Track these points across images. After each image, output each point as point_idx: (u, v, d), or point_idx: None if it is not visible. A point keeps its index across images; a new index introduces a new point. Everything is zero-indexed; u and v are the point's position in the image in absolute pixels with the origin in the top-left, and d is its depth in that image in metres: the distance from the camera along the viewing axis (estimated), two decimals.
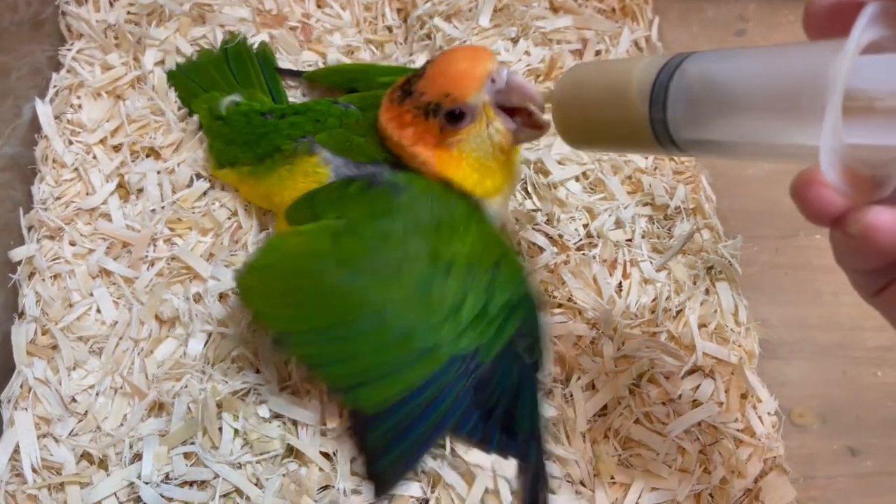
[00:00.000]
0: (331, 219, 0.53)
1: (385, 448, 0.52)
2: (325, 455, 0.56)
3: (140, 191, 0.66)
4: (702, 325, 0.64)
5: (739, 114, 0.34)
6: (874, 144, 0.30)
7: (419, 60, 0.75)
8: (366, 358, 0.51)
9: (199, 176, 0.67)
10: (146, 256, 0.62)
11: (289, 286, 0.53)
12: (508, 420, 0.54)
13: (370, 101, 0.58)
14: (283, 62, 0.73)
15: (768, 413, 0.62)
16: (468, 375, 0.52)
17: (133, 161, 0.67)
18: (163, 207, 0.65)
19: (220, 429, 0.55)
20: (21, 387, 0.57)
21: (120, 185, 0.66)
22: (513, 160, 0.56)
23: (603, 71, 0.44)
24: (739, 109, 0.34)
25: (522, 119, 0.52)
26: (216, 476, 0.54)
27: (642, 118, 0.39)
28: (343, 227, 0.52)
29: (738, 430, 0.60)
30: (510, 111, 0.52)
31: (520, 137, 0.53)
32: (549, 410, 0.59)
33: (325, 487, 0.55)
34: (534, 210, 0.68)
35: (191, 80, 0.71)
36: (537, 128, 0.52)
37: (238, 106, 0.65)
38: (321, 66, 0.74)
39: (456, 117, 0.51)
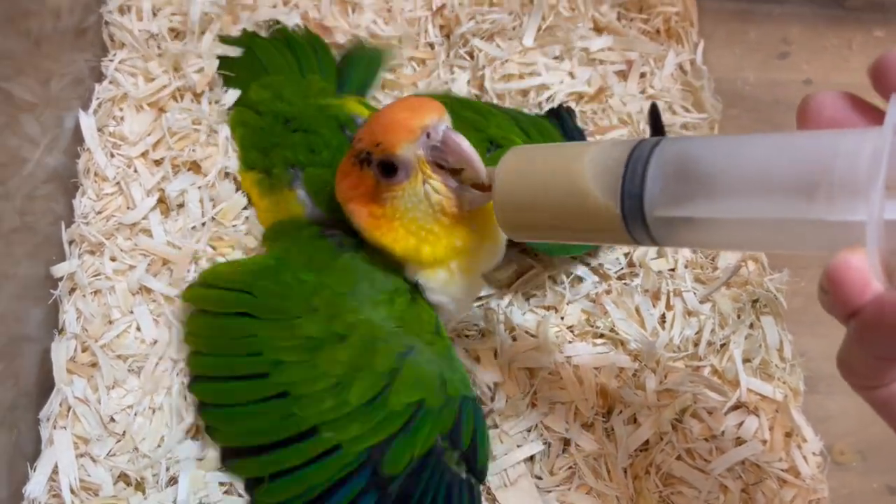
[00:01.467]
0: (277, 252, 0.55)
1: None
2: None
3: (180, 206, 0.65)
4: (746, 361, 0.63)
5: (739, 190, 0.33)
6: None
7: (460, 78, 0.75)
8: (249, 416, 0.51)
9: (238, 188, 0.67)
10: (188, 274, 0.62)
11: (206, 309, 0.55)
12: None
13: None
14: None
15: (813, 453, 0.61)
16: (378, 488, 0.48)
17: (174, 175, 0.66)
18: (203, 224, 0.64)
19: None
20: (60, 405, 0.56)
21: (160, 200, 0.65)
22: (476, 231, 0.50)
23: (553, 153, 0.41)
24: (739, 185, 0.33)
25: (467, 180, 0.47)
26: None
27: (609, 201, 0.37)
28: (270, 264, 0.54)
29: (782, 470, 0.59)
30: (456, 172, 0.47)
31: (466, 200, 0.47)
32: (589, 444, 0.58)
33: None
34: None
35: (256, 58, 0.70)
36: (484, 190, 0.46)
37: (280, 101, 0.64)
38: None
39: (389, 170, 0.47)
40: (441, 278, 0.51)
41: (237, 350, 0.52)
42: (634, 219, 0.36)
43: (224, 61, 0.71)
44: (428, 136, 0.46)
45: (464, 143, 0.45)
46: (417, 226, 0.48)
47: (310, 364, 0.49)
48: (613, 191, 0.36)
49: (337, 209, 0.52)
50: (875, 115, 0.33)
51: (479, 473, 0.50)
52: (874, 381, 0.33)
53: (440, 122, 0.46)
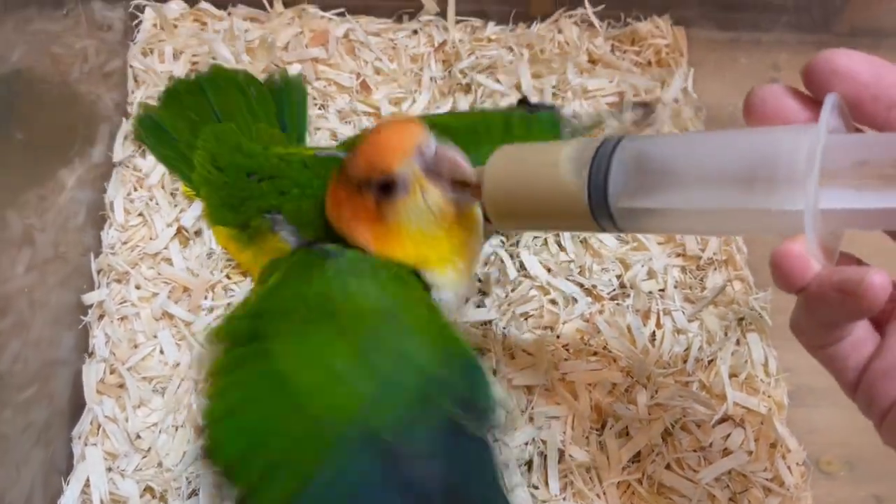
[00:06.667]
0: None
1: None
2: None
3: (197, 233, 0.70)
4: (732, 376, 0.67)
5: (691, 183, 0.36)
6: (837, 209, 0.33)
7: (461, 104, 0.79)
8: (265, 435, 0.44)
9: None
10: (204, 301, 0.67)
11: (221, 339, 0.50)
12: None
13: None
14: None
15: (797, 463, 0.64)
16: (390, 463, 0.41)
17: (189, 205, 0.71)
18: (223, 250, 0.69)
19: None
20: (91, 423, 0.61)
21: (179, 231, 0.70)
22: (469, 228, 0.53)
23: (534, 150, 0.44)
24: (691, 179, 0.36)
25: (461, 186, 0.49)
26: None
27: (579, 193, 0.40)
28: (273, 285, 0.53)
29: (767, 480, 0.63)
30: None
31: (459, 202, 0.50)
32: (583, 456, 0.62)
33: None
34: (568, 261, 0.71)
35: (189, 109, 0.71)
36: (471, 190, 0.48)
37: (240, 154, 0.65)
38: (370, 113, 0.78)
39: (388, 189, 0.49)
40: (451, 276, 0.53)
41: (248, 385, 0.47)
42: (601, 209, 0.40)
43: (172, 99, 0.72)
44: (421, 152, 0.48)
45: (454, 154, 0.48)
46: (423, 235, 0.50)
47: (321, 359, 0.45)
48: (582, 184, 0.40)
49: (324, 231, 0.55)
50: (812, 105, 0.36)
51: (492, 436, 0.45)
52: (821, 342, 0.38)
53: (428, 137, 0.49)
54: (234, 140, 0.67)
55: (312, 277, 0.51)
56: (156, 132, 0.73)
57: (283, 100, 0.74)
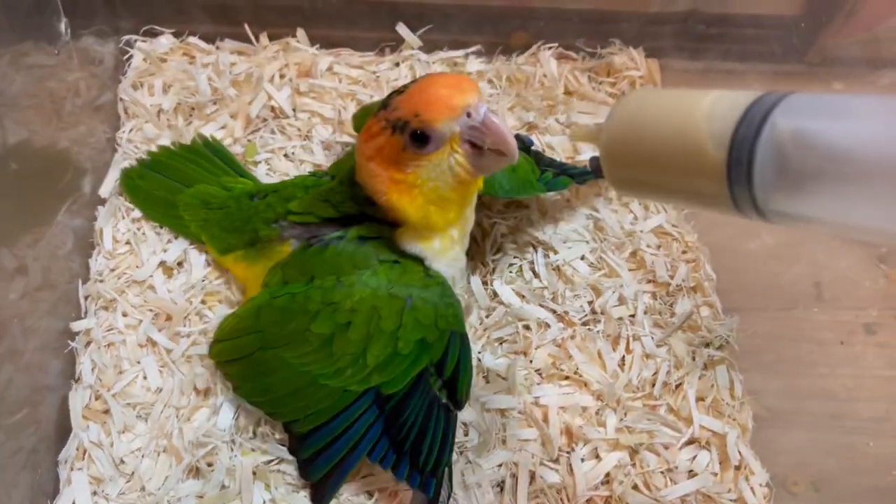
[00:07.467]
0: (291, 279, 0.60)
1: (312, 461, 0.60)
2: None
3: (180, 264, 0.73)
4: (699, 399, 0.69)
5: (861, 187, 0.28)
6: None
7: None
8: (288, 402, 0.59)
9: None
10: (182, 329, 0.69)
11: (232, 358, 0.62)
12: (415, 453, 0.57)
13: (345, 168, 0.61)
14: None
15: (760, 484, 0.66)
16: (380, 408, 0.57)
17: (175, 238, 0.74)
18: (203, 279, 0.72)
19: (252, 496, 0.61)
20: (77, 448, 0.63)
21: (163, 261, 0.72)
22: (469, 199, 0.56)
23: (669, 108, 0.35)
24: (861, 182, 0.28)
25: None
26: None
27: (719, 178, 0.32)
28: (264, 300, 0.60)
29: (731, 500, 0.65)
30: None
31: (482, 164, 0.51)
32: (554, 477, 0.64)
33: None
34: (541, 288, 0.73)
35: (167, 178, 0.74)
36: (501, 154, 0.50)
37: (231, 191, 0.69)
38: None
39: (420, 139, 0.50)
40: (439, 246, 0.57)
41: (270, 373, 0.60)
42: (744, 198, 0.32)
43: (133, 189, 0.75)
44: (468, 115, 0.49)
45: (503, 126, 0.49)
46: (437, 194, 0.52)
47: (327, 353, 0.56)
48: (721, 163, 0.32)
49: (333, 209, 0.60)
50: None
51: (457, 402, 0.58)
52: None
53: (480, 102, 0.49)
54: (215, 188, 0.71)
55: (313, 269, 0.58)
56: (141, 197, 0.75)
57: (220, 155, 0.76)
